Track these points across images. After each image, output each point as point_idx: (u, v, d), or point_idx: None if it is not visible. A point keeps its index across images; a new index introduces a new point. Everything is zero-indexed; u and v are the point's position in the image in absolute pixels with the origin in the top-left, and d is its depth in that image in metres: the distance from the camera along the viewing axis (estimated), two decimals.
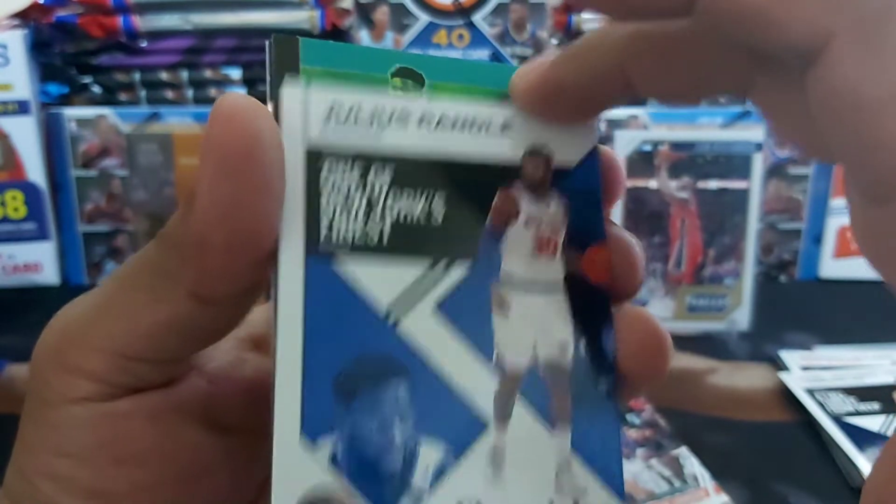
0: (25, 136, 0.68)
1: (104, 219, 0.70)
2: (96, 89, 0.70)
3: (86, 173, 0.69)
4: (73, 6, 0.68)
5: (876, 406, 0.53)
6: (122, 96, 0.70)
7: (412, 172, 0.18)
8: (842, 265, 0.72)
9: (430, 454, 0.17)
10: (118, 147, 0.69)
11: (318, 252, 0.16)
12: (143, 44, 0.69)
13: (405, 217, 0.17)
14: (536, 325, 0.18)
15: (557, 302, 0.18)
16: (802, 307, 0.69)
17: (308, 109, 0.17)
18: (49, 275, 0.70)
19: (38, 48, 0.68)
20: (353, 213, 0.17)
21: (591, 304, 0.18)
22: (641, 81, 0.17)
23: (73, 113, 0.69)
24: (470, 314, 0.17)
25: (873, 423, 0.51)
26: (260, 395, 0.19)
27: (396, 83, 0.18)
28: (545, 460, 0.17)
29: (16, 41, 0.67)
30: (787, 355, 0.61)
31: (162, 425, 0.17)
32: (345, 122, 0.17)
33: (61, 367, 0.17)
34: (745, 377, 0.59)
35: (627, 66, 0.16)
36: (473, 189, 0.18)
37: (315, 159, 0.17)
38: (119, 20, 0.68)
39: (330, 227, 0.17)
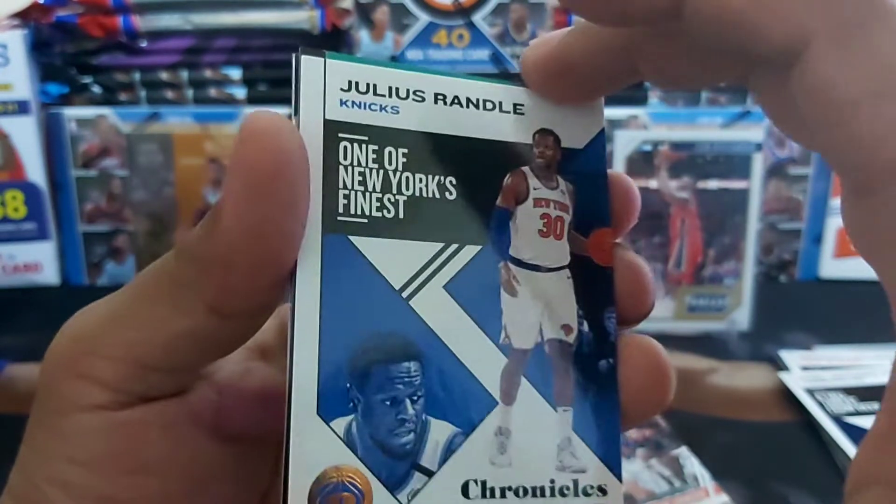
0: (25, 136, 0.68)
1: (104, 219, 0.70)
2: (96, 89, 0.70)
3: (86, 173, 0.69)
4: (73, 6, 0.68)
5: (876, 406, 0.53)
6: (122, 96, 0.70)
7: (427, 149, 0.18)
8: (842, 265, 0.72)
9: (440, 432, 0.17)
10: (118, 147, 0.69)
11: (336, 225, 0.17)
12: (143, 44, 0.69)
13: (420, 193, 0.17)
14: (543, 306, 0.18)
15: (564, 282, 0.18)
16: (802, 307, 0.69)
17: (327, 81, 0.17)
18: (49, 275, 0.70)
19: (38, 48, 0.68)
20: (370, 187, 0.17)
21: (595, 285, 0.19)
22: (645, 65, 0.17)
23: (73, 113, 0.69)
24: (479, 293, 0.18)
25: None
26: (266, 404, 0.19)
27: None
28: (548, 439, 0.18)
29: (16, 41, 0.67)
30: (787, 355, 0.61)
31: (174, 434, 0.17)
32: (363, 97, 0.17)
33: (73, 374, 0.16)
34: (745, 377, 0.59)
35: (632, 49, 0.17)
36: (485, 168, 0.18)
37: (334, 133, 0.17)
38: (119, 20, 0.68)
39: (347, 201, 0.17)
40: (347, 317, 0.16)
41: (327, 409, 0.16)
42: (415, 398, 0.17)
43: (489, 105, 0.19)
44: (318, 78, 0.17)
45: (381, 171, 0.17)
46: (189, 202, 0.69)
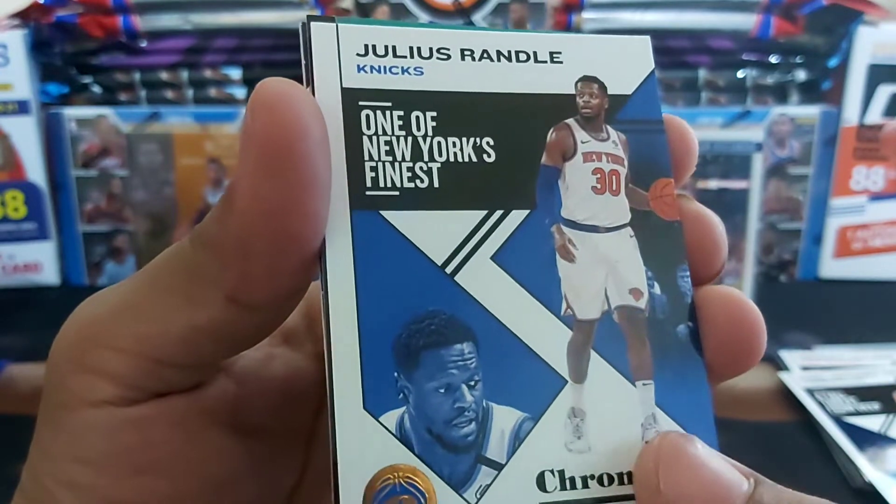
0: (25, 136, 0.68)
1: (104, 219, 0.70)
2: (96, 89, 0.70)
3: (86, 173, 0.69)
4: (73, 6, 0.68)
5: (876, 406, 0.53)
6: (122, 96, 0.70)
7: (458, 110, 0.16)
8: (842, 265, 0.72)
9: (505, 419, 0.15)
10: (118, 147, 0.69)
11: (365, 200, 0.15)
12: (143, 44, 0.69)
13: (455, 159, 0.16)
14: (606, 269, 0.17)
15: (626, 242, 0.17)
16: (802, 307, 0.69)
17: (341, 48, 0.16)
18: (49, 275, 0.70)
19: (38, 48, 0.68)
20: (399, 157, 0.16)
21: (663, 242, 0.17)
22: None
23: (73, 113, 0.68)
24: (533, 262, 0.16)
25: (873, 423, 0.51)
26: (291, 395, 0.18)
27: None
28: (630, 418, 0.16)
29: (16, 41, 0.67)
30: (787, 355, 0.61)
31: (187, 431, 0.16)
32: (382, 60, 0.16)
33: (81, 368, 0.15)
34: (745, 377, 0.59)
35: None
36: (525, 125, 0.17)
37: (353, 102, 0.16)
38: (119, 20, 0.68)
39: (375, 174, 0.15)
40: (387, 300, 0.15)
41: (375, 403, 0.14)
42: (472, 383, 0.15)
43: (522, 56, 0.17)
44: (331, 45, 0.16)
45: (410, 139, 0.16)
46: (189, 202, 0.69)
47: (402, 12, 0.71)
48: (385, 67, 0.16)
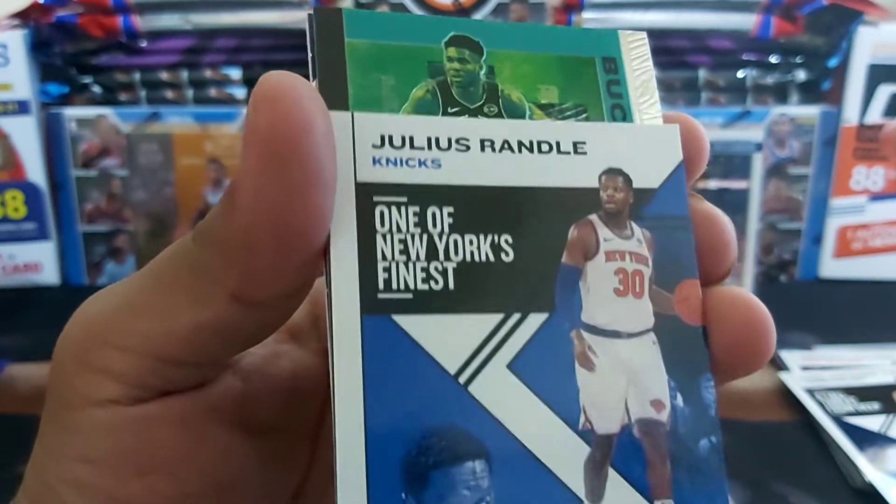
0: (25, 136, 0.68)
1: (104, 219, 0.70)
2: (96, 89, 0.70)
3: (86, 173, 0.69)
4: (73, 6, 0.68)
5: (876, 406, 0.53)
6: (122, 96, 0.70)
7: (476, 206, 0.15)
8: (842, 265, 0.72)
9: None
10: (118, 147, 0.69)
11: (377, 305, 0.14)
12: (143, 44, 0.69)
13: (471, 258, 0.15)
14: (627, 379, 0.16)
15: (649, 349, 0.16)
16: (802, 307, 0.69)
17: (357, 139, 0.15)
18: (49, 275, 0.70)
19: (38, 48, 0.68)
20: (414, 256, 0.15)
21: (687, 349, 0.16)
22: None
23: (73, 113, 0.68)
24: (551, 370, 0.15)
25: (873, 423, 0.51)
26: (296, 392, 0.18)
27: (451, 53, 0.16)
28: None
29: (16, 41, 0.67)
30: (787, 355, 0.61)
31: (193, 431, 0.16)
32: (399, 152, 0.15)
33: (86, 367, 0.15)
34: (745, 377, 0.59)
35: None
36: (546, 221, 0.16)
37: (367, 197, 0.15)
38: (119, 20, 0.68)
39: (388, 275, 0.15)
40: (397, 413, 0.14)
41: None
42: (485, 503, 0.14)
43: (545, 146, 0.16)
44: (346, 137, 0.15)
45: (425, 236, 0.15)
46: (189, 202, 0.69)
47: (401, 12, 0.71)
48: (401, 160, 0.15)
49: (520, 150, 0.16)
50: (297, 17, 0.70)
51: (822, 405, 0.53)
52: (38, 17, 0.68)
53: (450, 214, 0.15)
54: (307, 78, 0.15)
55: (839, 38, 0.69)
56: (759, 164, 0.65)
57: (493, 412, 0.15)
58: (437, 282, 0.15)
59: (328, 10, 0.15)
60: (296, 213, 0.14)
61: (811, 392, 0.55)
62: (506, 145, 0.16)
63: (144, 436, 0.15)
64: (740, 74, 0.70)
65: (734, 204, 0.65)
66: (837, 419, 0.52)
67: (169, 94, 0.70)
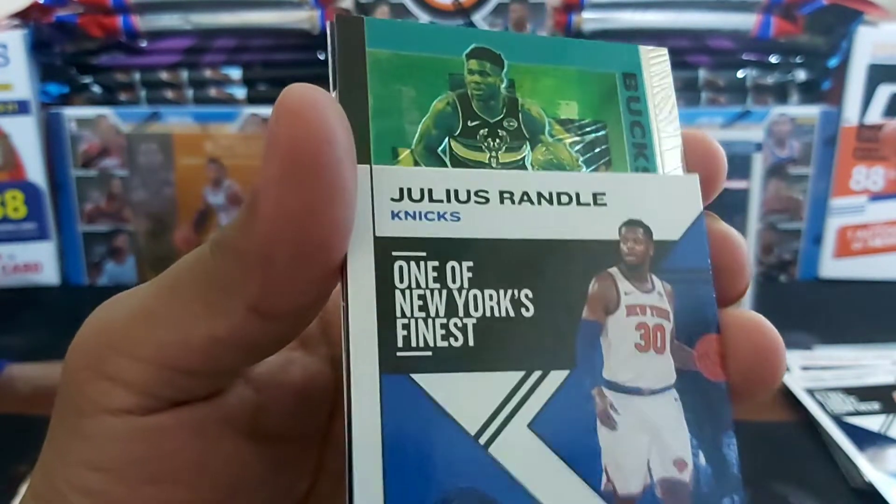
0: (25, 136, 0.68)
1: (104, 219, 0.70)
2: (96, 89, 0.70)
3: (86, 173, 0.69)
4: (73, 6, 0.68)
5: (876, 406, 0.53)
6: (122, 96, 0.70)
7: (496, 260, 0.15)
8: (842, 265, 0.72)
9: None
10: (118, 147, 0.69)
11: (396, 363, 0.14)
12: (143, 44, 0.69)
13: (491, 314, 0.15)
14: (649, 437, 0.15)
15: (671, 406, 0.16)
16: (802, 307, 0.69)
17: (375, 192, 0.15)
18: (49, 275, 0.70)
19: (38, 48, 0.68)
20: (433, 312, 0.15)
21: (709, 406, 0.16)
22: None
23: (73, 113, 0.68)
24: (572, 429, 0.15)
25: (873, 423, 0.51)
26: (307, 399, 0.18)
27: (473, 66, 0.16)
28: None
29: (16, 41, 0.67)
30: (787, 355, 0.61)
31: (205, 440, 0.16)
32: (418, 205, 0.15)
33: (99, 375, 0.15)
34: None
35: None
36: (566, 275, 0.15)
37: (386, 252, 0.15)
38: (119, 20, 0.68)
39: (407, 332, 0.14)
40: (416, 477, 0.14)
41: None
42: None
43: (564, 198, 0.16)
44: (365, 191, 0.15)
45: (445, 292, 0.15)
46: (189, 202, 0.69)
47: (402, 12, 0.71)
48: (420, 213, 0.15)
49: (539, 202, 0.16)
50: (297, 17, 0.70)
51: (822, 405, 0.53)
52: (38, 17, 0.68)
53: (469, 269, 0.15)
54: (326, 88, 0.15)
55: (839, 38, 0.69)
56: (759, 164, 0.65)
57: (514, 474, 0.14)
58: (456, 339, 0.15)
59: (350, 18, 0.15)
60: (316, 226, 0.14)
61: (811, 392, 0.55)
62: (525, 197, 0.16)
63: (156, 445, 0.15)
64: (740, 74, 0.70)
65: (734, 204, 0.65)
66: (837, 419, 0.52)
67: (169, 94, 0.70)
